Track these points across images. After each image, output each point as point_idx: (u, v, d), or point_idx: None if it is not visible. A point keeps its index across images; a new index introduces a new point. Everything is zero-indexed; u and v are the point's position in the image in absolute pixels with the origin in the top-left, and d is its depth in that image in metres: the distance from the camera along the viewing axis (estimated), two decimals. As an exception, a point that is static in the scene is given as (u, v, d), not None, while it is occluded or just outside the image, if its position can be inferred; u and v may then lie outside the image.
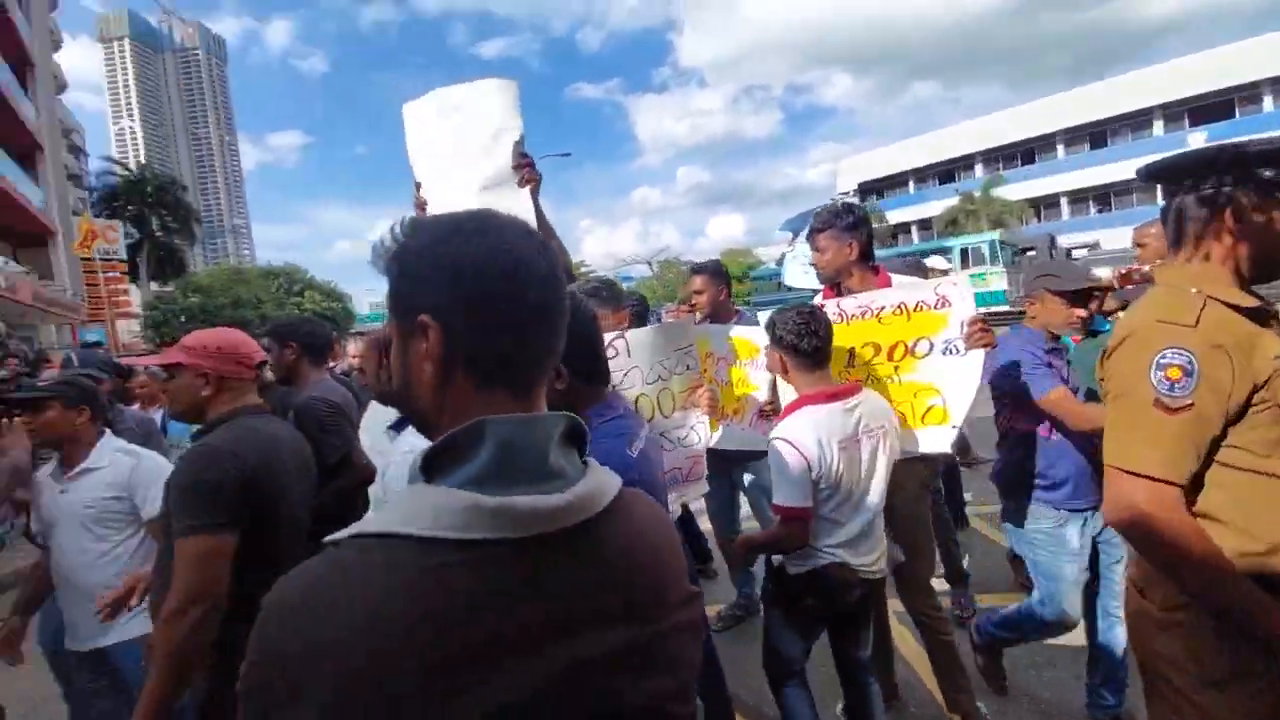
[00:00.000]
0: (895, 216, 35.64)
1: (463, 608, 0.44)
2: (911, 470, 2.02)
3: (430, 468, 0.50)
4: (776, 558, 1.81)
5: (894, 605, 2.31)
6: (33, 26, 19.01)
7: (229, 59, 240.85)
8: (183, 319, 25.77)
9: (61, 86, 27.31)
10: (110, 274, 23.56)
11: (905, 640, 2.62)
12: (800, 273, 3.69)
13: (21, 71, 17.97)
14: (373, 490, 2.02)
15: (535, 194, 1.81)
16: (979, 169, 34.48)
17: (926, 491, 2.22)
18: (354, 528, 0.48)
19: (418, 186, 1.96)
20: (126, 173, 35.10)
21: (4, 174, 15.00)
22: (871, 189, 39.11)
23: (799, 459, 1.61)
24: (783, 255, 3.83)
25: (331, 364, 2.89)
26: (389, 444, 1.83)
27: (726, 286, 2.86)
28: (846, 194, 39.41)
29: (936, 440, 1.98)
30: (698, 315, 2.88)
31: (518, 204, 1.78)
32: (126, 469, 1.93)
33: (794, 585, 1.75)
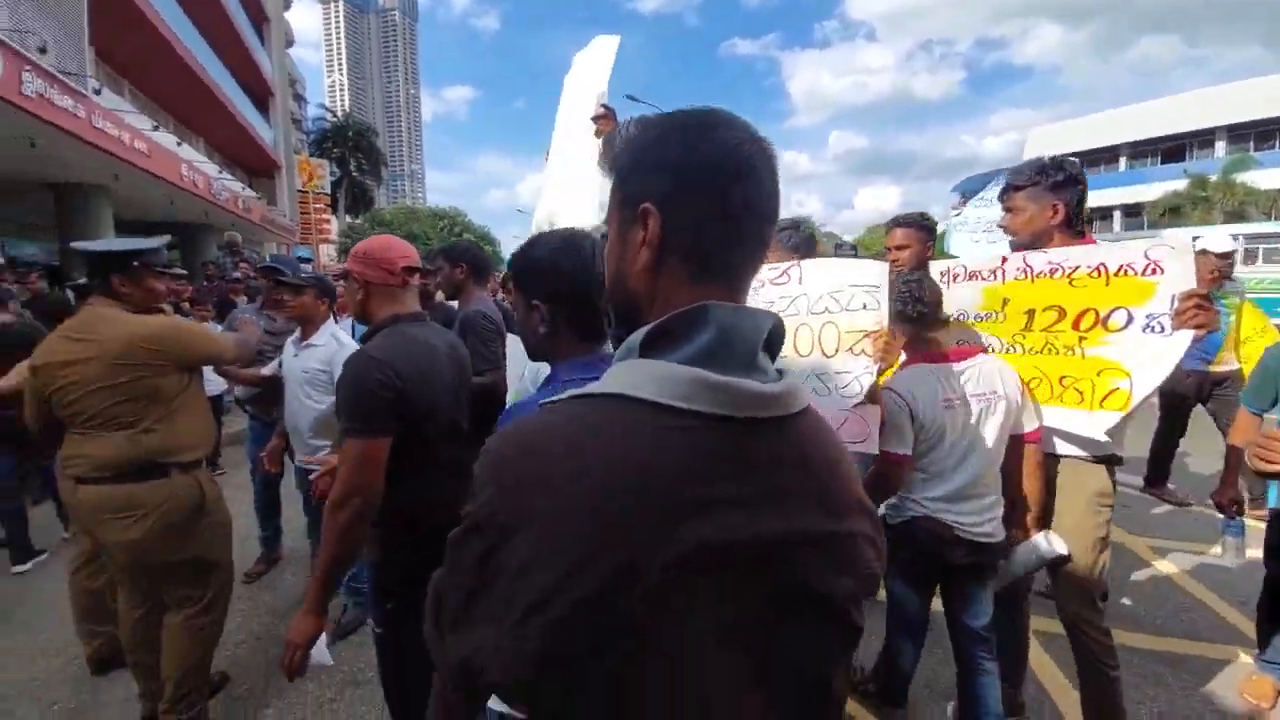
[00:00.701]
0: (1098, 198, 29.95)
1: (690, 465, 0.47)
2: (1081, 480, 1.78)
3: (647, 347, 0.53)
4: (880, 510, 1.84)
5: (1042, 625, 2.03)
6: (270, -15, 22.26)
7: (419, 19, 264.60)
8: (365, 249, 29.85)
9: (290, 42, 31.91)
10: (317, 205, 27.94)
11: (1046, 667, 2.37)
12: (968, 242, 3.20)
13: (260, 27, 21.27)
14: (513, 378, 2.06)
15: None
16: (1220, 148, 27.64)
17: (1103, 505, 1.79)
18: (570, 392, 0.53)
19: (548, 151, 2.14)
20: (335, 119, 40.87)
21: (246, 116, 18.11)
22: (1067, 164, 33.21)
23: (902, 408, 1.71)
24: (944, 225, 3.31)
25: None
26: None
27: (933, 243, 2.56)
28: (1033, 169, 33.90)
29: (1102, 425, 1.68)
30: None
31: (589, 150, 1.91)
32: (331, 351, 2.48)
33: (891, 535, 1.78)
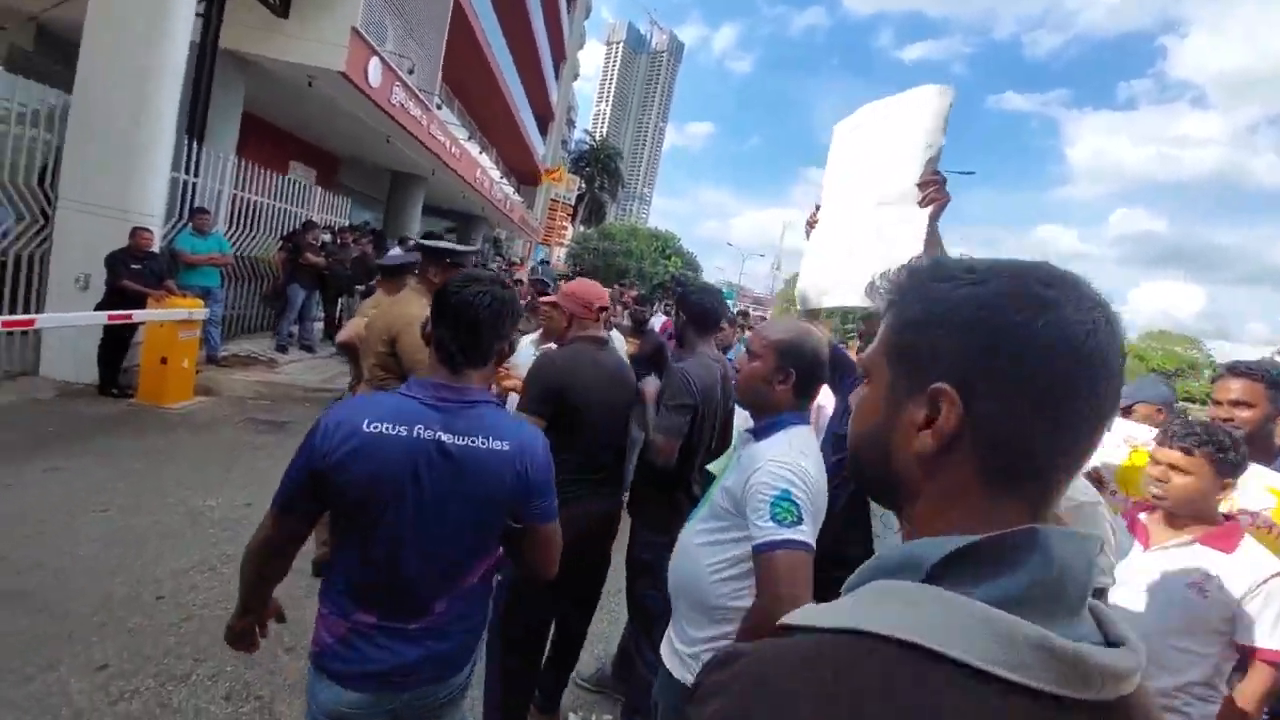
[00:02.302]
0: None
1: None
2: None
3: (947, 568, 0.39)
4: None
5: None
6: (572, 29, 26.37)
7: (683, 60, 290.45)
8: (589, 257, 33.43)
9: (575, 75, 37.53)
10: (561, 214, 32.33)
11: None
12: None
13: (558, 64, 25.28)
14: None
15: (936, 216, 1.55)
16: None
17: None
18: (849, 618, 0.39)
19: (817, 208, 1.86)
20: (593, 144, 47.07)
21: (530, 135, 21.66)
22: None
23: None
24: None
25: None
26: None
27: None
28: None
29: None
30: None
31: (910, 223, 1.59)
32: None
33: None
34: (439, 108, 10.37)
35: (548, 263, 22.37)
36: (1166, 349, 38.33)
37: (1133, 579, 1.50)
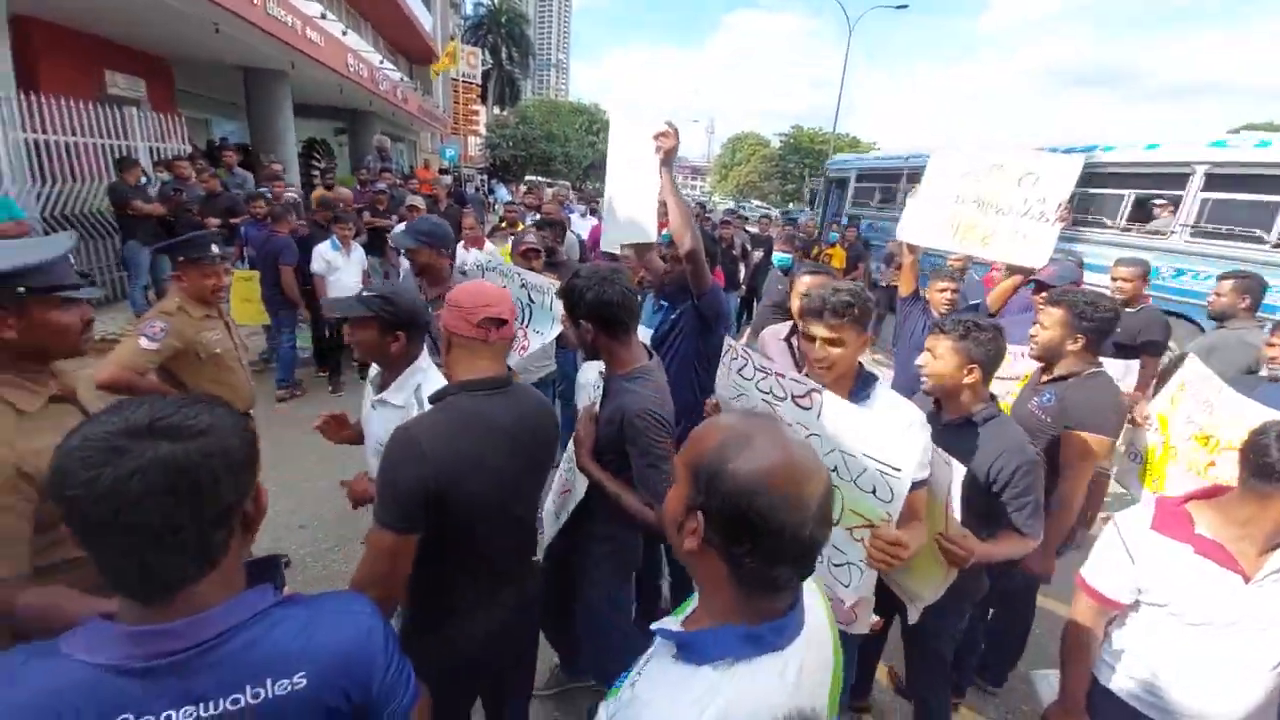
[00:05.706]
0: None
1: None
2: None
3: None
4: None
5: None
6: None
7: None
8: (507, 146, 30.30)
9: (455, -84, 31.10)
10: (468, 96, 28.45)
11: None
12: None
13: (429, -100, 20.63)
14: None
15: (666, 162, 2.06)
16: None
17: None
18: None
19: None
20: (492, 5, 40.54)
21: (410, 3, 18.11)
22: None
23: None
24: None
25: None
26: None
27: None
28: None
29: None
30: None
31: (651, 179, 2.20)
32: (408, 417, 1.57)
33: None
34: (271, -21, 8.24)
35: (454, 165, 19.90)
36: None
37: (1243, 620, 1.19)
